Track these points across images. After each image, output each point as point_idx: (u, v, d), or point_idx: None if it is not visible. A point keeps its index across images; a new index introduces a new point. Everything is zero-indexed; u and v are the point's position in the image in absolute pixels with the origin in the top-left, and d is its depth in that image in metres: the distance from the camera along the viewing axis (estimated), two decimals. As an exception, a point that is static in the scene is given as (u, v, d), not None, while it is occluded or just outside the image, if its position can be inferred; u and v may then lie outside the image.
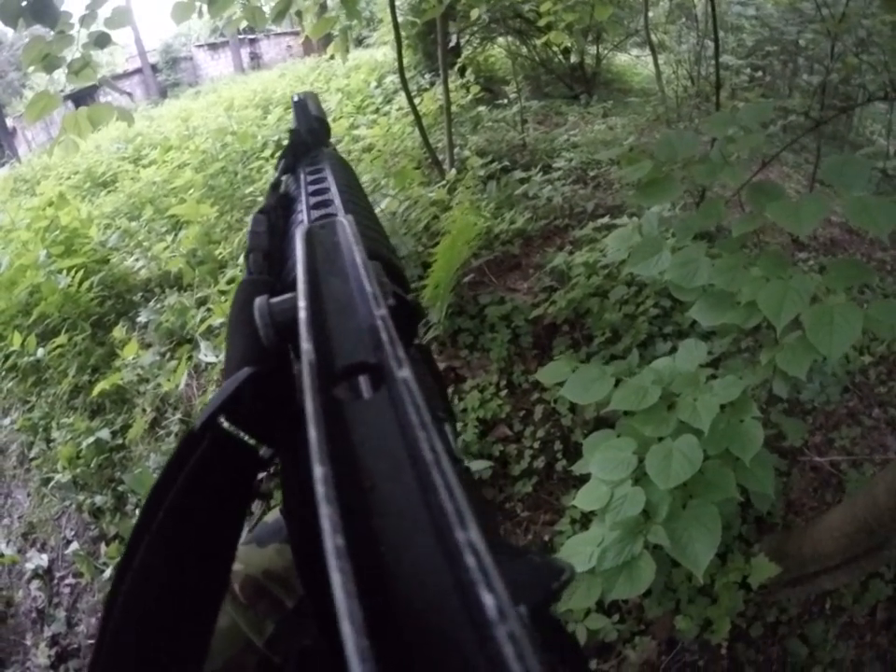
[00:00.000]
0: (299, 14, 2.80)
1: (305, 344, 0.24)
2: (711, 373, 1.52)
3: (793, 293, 1.27)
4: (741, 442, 1.37)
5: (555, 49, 5.74)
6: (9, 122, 17.95)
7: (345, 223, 0.34)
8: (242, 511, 0.28)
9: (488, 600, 0.14)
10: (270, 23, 2.72)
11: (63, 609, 2.36)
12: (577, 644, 0.18)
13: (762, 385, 1.91)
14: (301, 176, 0.52)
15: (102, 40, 2.17)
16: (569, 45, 5.46)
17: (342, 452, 0.19)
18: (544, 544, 1.90)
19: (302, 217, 0.45)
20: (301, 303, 0.27)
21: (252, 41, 18.46)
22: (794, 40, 5.16)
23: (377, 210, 2.74)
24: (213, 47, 19.27)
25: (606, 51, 6.28)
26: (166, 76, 19.73)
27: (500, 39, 5.93)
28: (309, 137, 0.60)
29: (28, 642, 2.33)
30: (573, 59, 5.66)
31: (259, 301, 0.30)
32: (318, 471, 0.18)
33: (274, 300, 0.30)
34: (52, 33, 2.04)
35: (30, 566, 2.53)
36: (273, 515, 0.48)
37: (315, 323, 0.25)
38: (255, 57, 18.70)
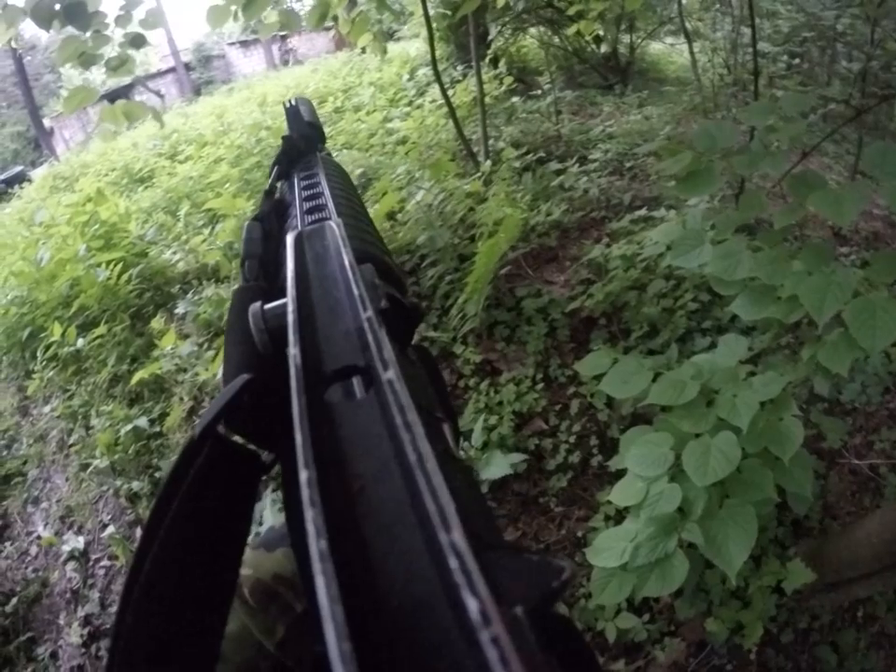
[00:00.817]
0: (335, 18, 2.83)
1: (293, 349, 0.24)
2: (751, 370, 1.49)
3: (836, 287, 1.24)
4: (780, 441, 1.34)
5: (587, 38, 5.68)
6: (46, 122, 18.47)
7: (334, 226, 0.34)
8: (246, 515, 0.28)
9: (471, 604, 0.14)
10: (308, 28, 2.76)
11: (97, 591, 2.40)
12: (585, 643, 0.18)
13: (802, 383, 1.87)
14: (295, 182, 0.53)
15: (137, 41, 2.26)
16: (601, 34, 5.39)
17: (329, 455, 0.20)
18: (577, 540, 1.90)
19: (296, 222, 0.46)
20: (290, 308, 0.27)
21: (284, 38, 18.64)
22: (832, 25, 5.01)
23: (413, 202, 2.75)
24: (245, 44, 19.51)
25: (639, 40, 6.19)
26: (199, 73, 20.07)
27: (532, 30, 5.89)
28: (302, 143, 0.61)
29: (61, 621, 2.38)
30: (605, 48, 5.59)
31: (253, 307, 0.30)
32: (303, 475, 0.18)
33: (268, 306, 0.30)
34: (86, 34, 2.11)
35: (66, 548, 2.58)
36: (281, 520, 0.48)
37: (303, 327, 0.26)
38: (286, 53, 18.88)
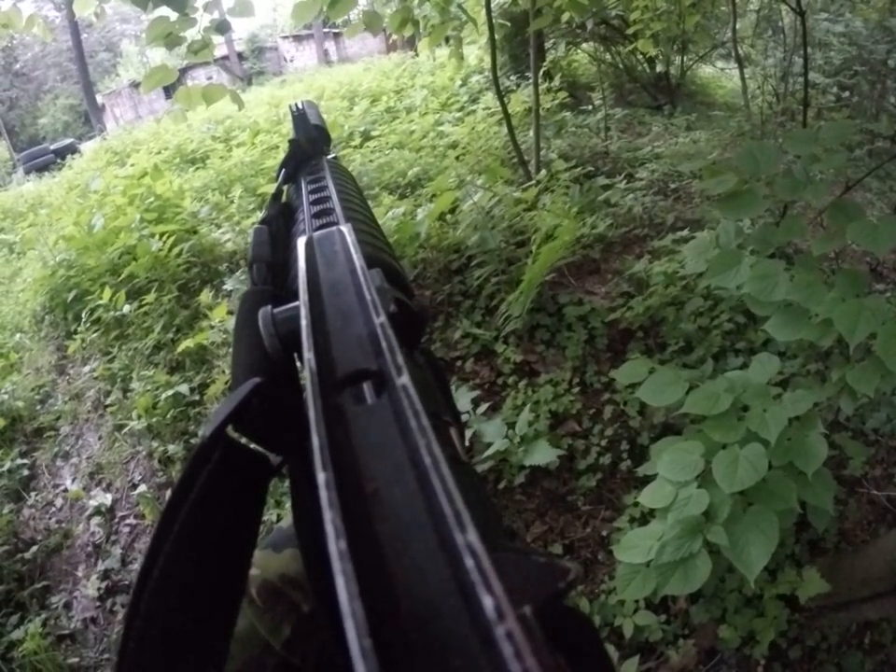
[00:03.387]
0: (415, 23, 2.93)
1: (307, 353, 0.25)
2: (780, 392, 1.54)
3: (868, 312, 1.30)
4: (805, 456, 1.40)
5: (640, 57, 5.73)
6: (99, 99, 18.98)
7: (345, 231, 0.35)
8: (256, 518, 0.29)
9: (487, 601, 0.14)
10: (392, 31, 2.84)
11: (120, 547, 2.41)
12: (599, 641, 0.24)
13: (827, 408, 1.91)
14: (303, 185, 0.53)
15: (223, 27, 2.34)
16: (654, 54, 5.44)
17: (344, 457, 0.20)
18: (601, 539, 1.96)
19: (304, 226, 0.46)
20: (303, 312, 0.28)
21: (336, 35, 18.88)
22: (883, 60, 5.01)
23: (469, 202, 2.84)
24: (297, 38, 19.77)
25: (691, 62, 6.23)
26: (252, 64, 20.40)
27: (584, 45, 5.96)
28: (309, 146, 0.61)
29: (79, 573, 2.39)
30: (658, 68, 5.64)
31: (262, 311, 0.31)
32: (321, 477, 0.18)
33: (278, 309, 0.31)
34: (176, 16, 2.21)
35: (93, 503, 2.59)
36: (288, 521, 0.48)
37: (316, 332, 0.26)
38: (337, 50, 19.14)
